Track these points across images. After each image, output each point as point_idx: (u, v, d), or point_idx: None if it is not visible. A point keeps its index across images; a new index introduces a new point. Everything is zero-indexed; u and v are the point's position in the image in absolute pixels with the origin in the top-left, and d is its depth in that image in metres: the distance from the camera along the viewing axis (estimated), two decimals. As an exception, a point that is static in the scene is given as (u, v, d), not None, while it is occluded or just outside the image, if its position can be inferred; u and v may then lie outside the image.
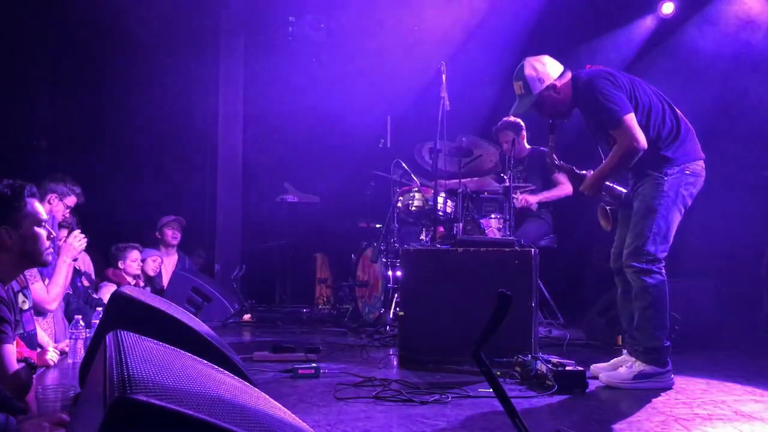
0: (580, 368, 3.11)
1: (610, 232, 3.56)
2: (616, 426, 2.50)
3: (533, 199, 5.33)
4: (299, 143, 7.36)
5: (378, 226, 6.13)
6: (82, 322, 3.67)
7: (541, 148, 5.56)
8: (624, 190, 3.50)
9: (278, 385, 3.13)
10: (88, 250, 4.58)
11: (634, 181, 3.41)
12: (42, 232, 2.58)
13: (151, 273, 5.90)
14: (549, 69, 3.47)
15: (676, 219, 3.27)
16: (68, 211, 4.42)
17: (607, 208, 3.54)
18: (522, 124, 5.49)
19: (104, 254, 5.68)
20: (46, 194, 4.26)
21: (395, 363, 3.77)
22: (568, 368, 3.07)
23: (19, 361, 2.57)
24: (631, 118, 3.20)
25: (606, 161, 3.38)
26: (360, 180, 6.53)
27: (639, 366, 3.20)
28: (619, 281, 3.50)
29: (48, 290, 3.66)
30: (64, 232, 4.26)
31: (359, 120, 6.84)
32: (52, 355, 3.46)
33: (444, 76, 4.89)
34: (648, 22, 6.48)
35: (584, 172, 3.55)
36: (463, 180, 4.97)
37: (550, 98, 3.45)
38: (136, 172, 7.22)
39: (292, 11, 7.50)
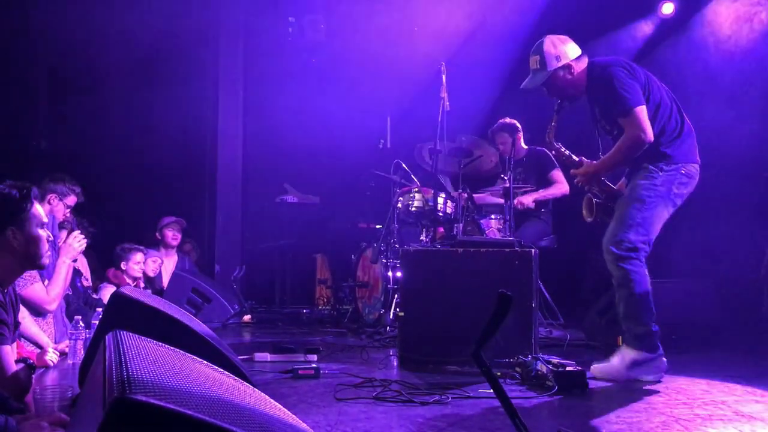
0: (580, 368, 3.10)
1: (593, 223, 3.56)
2: (617, 426, 2.50)
3: (528, 200, 5.32)
4: (299, 144, 7.35)
5: (378, 226, 6.13)
6: (81, 323, 3.67)
7: (538, 149, 5.57)
8: (615, 188, 3.51)
9: (278, 385, 3.12)
10: (87, 251, 4.58)
11: (630, 174, 3.43)
12: (43, 234, 2.59)
13: (151, 274, 5.90)
14: (568, 49, 3.47)
15: (663, 215, 3.29)
16: (69, 210, 4.41)
17: (594, 200, 3.55)
18: (518, 125, 5.49)
19: (104, 255, 5.67)
20: (46, 194, 4.26)
21: (395, 363, 3.77)
22: (568, 368, 3.07)
23: (18, 361, 2.57)
24: (643, 110, 3.22)
25: (610, 153, 3.38)
26: (360, 180, 6.53)
27: (630, 354, 3.23)
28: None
29: (47, 291, 3.66)
30: (63, 233, 4.26)
31: (359, 120, 6.84)
32: (51, 356, 3.46)
33: (444, 77, 4.90)
34: (648, 23, 6.48)
35: (580, 159, 3.56)
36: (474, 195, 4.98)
37: (562, 78, 3.46)
38: (136, 172, 7.21)
39: (292, 12, 7.50)
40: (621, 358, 3.26)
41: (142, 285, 5.58)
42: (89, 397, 1.31)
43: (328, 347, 4.30)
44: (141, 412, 0.97)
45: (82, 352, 3.50)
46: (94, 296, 4.74)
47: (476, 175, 5.56)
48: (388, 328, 4.93)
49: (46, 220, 2.64)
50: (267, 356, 3.77)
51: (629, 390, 3.13)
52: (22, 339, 3.43)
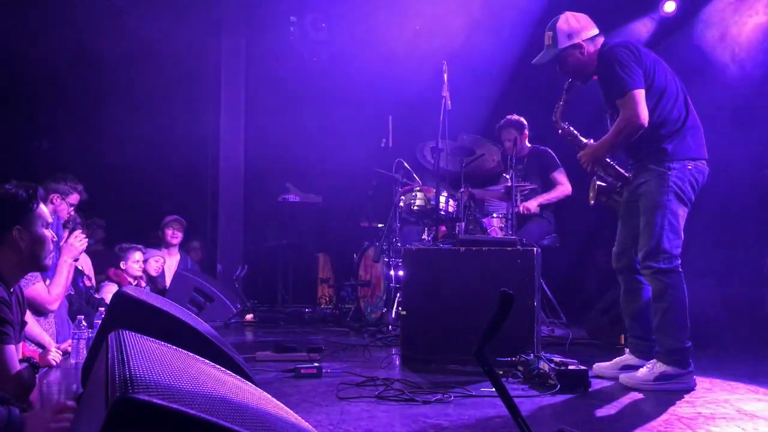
0: (582, 367, 3.10)
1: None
2: (619, 425, 2.50)
3: (533, 205, 5.30)
4: (301, 143, 7.36)
5: (380, 225, 6.12)
6: (84, 322, 3.68)
7: (541, 148, 5.56)
8: (625, 173, 3.43)
9: (281, 384, 3.13)
10: (89, 250, 4.59)
11: (636, 176, 3.34)
12: (48, 234, 2.60)
13: (154, 273, 5.91)
14: (583, 28, 3.40)
15: (684, 212, 3.22)
16: (72, 209, 4.42)
17: (598, 182, 3.51)
18: (525, 122, 5.47)
19: (107, 254, 5.69)
20: (49, 194, 4.27)
21: (397, 362, 3.77)
22: (570, 367, 3.07)
23: (21, 361, 2.57)
24: (640, 94, 3.15)
25: (607, 134, 3.33)
26: (362, 180, 6.53)
27: (660, 367, 3.12)
28: (622, 280, 3.49)
29: (49, 290, 3.67)
30: (65, 233, 4.27)
31: (361, 119, 6.84)
32: (54, 356, 3.46)
33: (445, 75, 4.89)
34: (649, 21, 6.46)
35: (587, 141, 3.50)
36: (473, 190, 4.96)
37: (573, 57, 3.39)
38: (139, 172, 7.22)
39: (293, 11, 7.50)
40: (650, 370, 3.14)
41: (144, 284, 5.59)
42: (92, 397, 1.31)
43: (330, 346, 4.31)
44: (143, 412, 0.97)
45: (85, 351, 3.50)
46: (97, 296, 4.75)
47: (478, 174, 5.55)
48: (390, 327, 4.93)
49: (51, 220, 2.65)
50: (269, 355, 3.77)
51: (631, 389, 3.12)
52: (26, 339, 3.43)
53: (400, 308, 4.39)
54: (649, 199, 3.22)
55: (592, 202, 3.54)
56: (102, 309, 3.94)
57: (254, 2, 7.60)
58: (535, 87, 6.46)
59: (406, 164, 5.42)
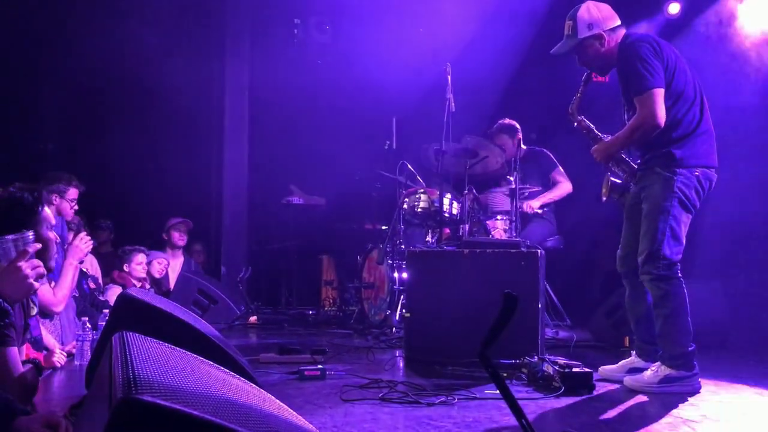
0: (587, 370, 3.09)
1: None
2: (624, 428, 2.49)
3: (536, 204, 5.29)
4: (305, 145, 7.36)
5: (384, 227, 6.12)
6: (88, 324, 3.69)
7: (537, 149, 5.56)
8: (635, 166, 3.37)
9: (284, 386, 3.12)
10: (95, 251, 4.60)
11: (641, 179, 3.30)
12: (52, 236, 2.60)
13: (157, 275, 5.92)
14: (605, 18, 3.31)
15: (687, 219, 3.18)
16: (75, 204, 4.43)
17: (612, 179, 3.46)
18: (517, 126, 5.47)
19: (115, 256, 5.71)
20: (49, 195, 4.28)
21: (401, 364, 3.76)
22: (575, 370, 3.05)
23: (25, 362, 2.57)
24: (659, 93, 3.08)
25: (622, 131, 3.28)
26: (366, 182, 6.53)
27: (665, 370, 3.09)
28: (627, 283, 3.46)
29: (54, 293, 3.67)
30: (69, 234, 4.28)
31: (365, 121, 6.84)
32: (59, 358, 3.47)
33: (449, 78, 4.89)
34: (654, 23, 6.45)
35: (603, 136, 3.43)
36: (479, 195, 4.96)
37: (592, 47, 3.32)
38: (143, 174, 7.23)
39: (297, 13, 7.51)
40: (654, 372, 3.12)
41: (147, 286, 5.60)
42: (96, 398, 1.31)
43: (334, 348, 4.30)
44: (147, 413, 0.97)
45: (89, 353, 3.51)
46: (101, 298, 4.76)
47: (483, 176, 5.55)
48: (394, 329, 4.93)
49: (54, 222, 2.66)
50: (273, 357, 3.77)
51: (636, 391, 3.11)
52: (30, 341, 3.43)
53: (403, 310, 4.39)
54: (652, 203, 3.19)
55: (605, 198, 3.49)
56: (106, 311, 3.95)
57: (258, 4, 7.61)
58: (539, 88, 6.46)
59: (409, 166, 5.42)
